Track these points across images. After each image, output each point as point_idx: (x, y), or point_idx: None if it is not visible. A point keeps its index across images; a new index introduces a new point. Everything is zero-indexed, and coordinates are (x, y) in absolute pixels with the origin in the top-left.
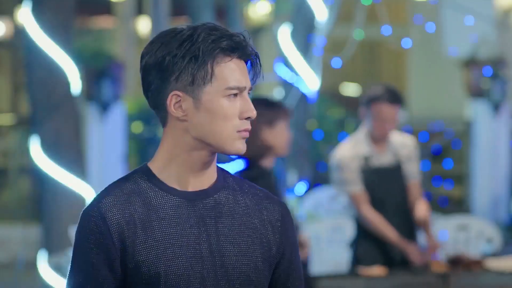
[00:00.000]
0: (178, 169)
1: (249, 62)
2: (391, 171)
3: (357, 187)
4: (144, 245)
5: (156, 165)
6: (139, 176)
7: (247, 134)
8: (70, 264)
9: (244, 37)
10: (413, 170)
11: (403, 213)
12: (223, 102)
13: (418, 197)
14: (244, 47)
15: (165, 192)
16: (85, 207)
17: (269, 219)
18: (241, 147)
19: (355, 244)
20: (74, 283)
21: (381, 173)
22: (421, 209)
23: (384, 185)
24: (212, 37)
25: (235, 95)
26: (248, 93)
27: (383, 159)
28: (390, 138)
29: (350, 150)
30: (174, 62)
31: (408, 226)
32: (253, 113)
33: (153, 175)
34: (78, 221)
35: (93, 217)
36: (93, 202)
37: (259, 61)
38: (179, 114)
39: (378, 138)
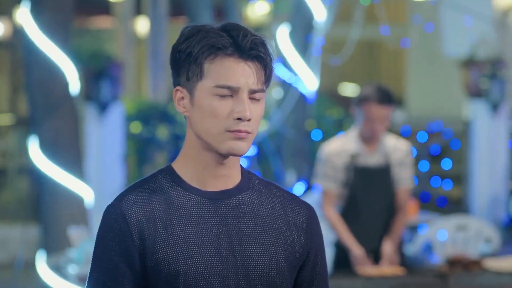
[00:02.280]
0: (195, 169)
1: (261, 64)
2: (378, 172)
3: (332, 185)
4: (164, 243)
5: (178, 165)
6: (162, 175)
7: (244, 135)
8: (91, 261)
9: (255, 38)
10: (404, 176)
11: (385, 215)
12: (212, 100)
13: (404, 204)
14: (242, 47)
15: (187, 191)
16: (107, 205)
17: (294, 221)
18: (236, 147)
19: (336, 245)
20: (95, 279)
21: (366, 172)
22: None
23: (368, 185)
24: (213, 35)
25: (230, 95)
26: (256, 97)
27: (371, 159)
28: (384, 140)
29: (338, 146)
30: (178, 57)
31: (389, 229)
32: (244, 114)
33: (176, 174)
34: (101, 219)
35: (113, 214)
36: (115, 200)
37: (268, 63)
38: (181, 110)
39: (368, 138)
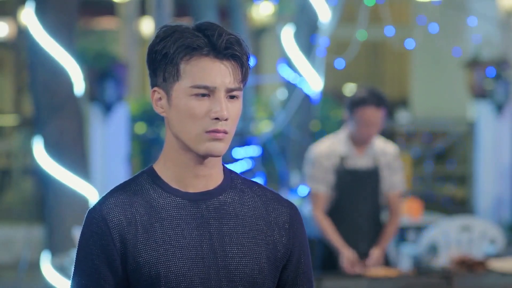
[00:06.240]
0: (176, 170)
1: (237, 62)
2: (366, 175)
3: (321, 188)
4: (145, 246)
5: (159, 166)
6: (144, 177)
7: (221, 136)
8: (73, 265)
9: (230, 37)
10: (396, 181)
11: (372, 217)
12: (189, 101)
13: (397, 209)
14: (217, 47)
15: (168, 193)
16: (89, 209)
17: (276, 220)
18: (213, 148)
19: (324, 245)
20: (77, 283)
21: (354, 175)
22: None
23: (356, 187)
24: (188, 35)
25: (207, 94)
26: (233, 95)
27: (360, 162)
28: (373, 142)
29: (327, 148)
30: (154, 58)
31: (377, 230)
32: (222, 114)
33: (157, 176)
34: (83, 222)
35: (95, 218)
36: (97, 203)
37: (244, 62)
38: (159, 111)
39: (361, 141)
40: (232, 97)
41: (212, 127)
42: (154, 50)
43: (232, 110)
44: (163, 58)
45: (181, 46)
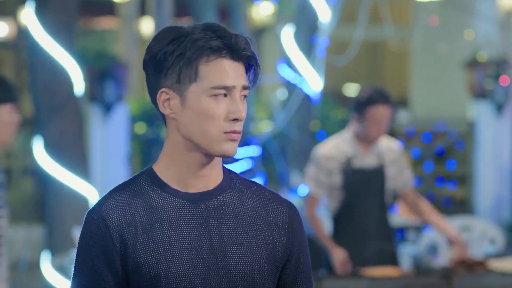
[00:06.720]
0: (177, 170)
1: (247, 63)
2: (373, 174)
3: (318, 191)
4: (144, 247)
5: (159, 167)
6: (143, 178)
7: (236, 136)
8: (73, 267)
9: (243, 38)
10: (407, 179)
11: (380, 216)
12: (207, 102)
13: (417, 202)
14: (236, 48)
15: (168, 194)
16: (88, 210)
17: (275, 220)
18: (229, 148)
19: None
20: (77, 285)
21: (362, 174)
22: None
23: (364, 187)
24: (203, 36)
25: (224, 95)
26: (245, 95)
27: (366, 161)
28: (378, 141)
29: (333, 149)
30: (164, 58)
31: (385, 229)
32: (241, 114)
33: (157, 177)
34: (83, 223)
35: (94, 219)
36: (96, 205)
37: (256, 62)
38: (167, 112)
39: (371, 140)
40: (243, 96)
41: (230, 128)
42: (163, 51)
43: (243, 110)
44: (177, 59)
45: (201, 47)
